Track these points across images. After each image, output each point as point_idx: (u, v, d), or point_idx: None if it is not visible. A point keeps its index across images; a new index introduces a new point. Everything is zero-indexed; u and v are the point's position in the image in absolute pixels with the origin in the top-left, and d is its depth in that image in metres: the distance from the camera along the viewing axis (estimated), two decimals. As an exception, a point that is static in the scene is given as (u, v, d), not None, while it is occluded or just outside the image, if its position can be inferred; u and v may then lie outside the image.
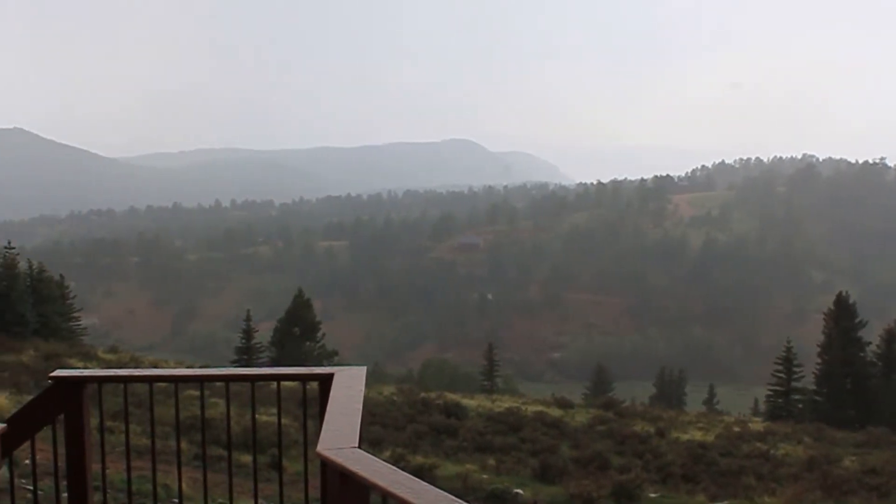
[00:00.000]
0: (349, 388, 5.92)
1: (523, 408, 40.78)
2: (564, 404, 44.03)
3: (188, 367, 34.67)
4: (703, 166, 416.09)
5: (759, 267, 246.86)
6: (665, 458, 28.45)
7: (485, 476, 23.28)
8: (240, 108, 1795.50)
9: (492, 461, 25.96)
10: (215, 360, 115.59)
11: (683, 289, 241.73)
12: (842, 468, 28.56)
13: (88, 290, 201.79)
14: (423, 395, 42.53)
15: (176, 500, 12.59)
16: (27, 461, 10.09)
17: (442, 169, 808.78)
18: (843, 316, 61.55)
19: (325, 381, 6.21)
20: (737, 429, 39.90)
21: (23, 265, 58.64)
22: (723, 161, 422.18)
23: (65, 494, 6.48)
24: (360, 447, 4.63)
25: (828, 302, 67.33)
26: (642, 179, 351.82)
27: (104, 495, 6.71)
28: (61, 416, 6.41)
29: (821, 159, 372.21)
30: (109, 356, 46.30)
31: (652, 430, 36.20)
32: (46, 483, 9.35)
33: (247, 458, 17.55)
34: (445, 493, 3.94)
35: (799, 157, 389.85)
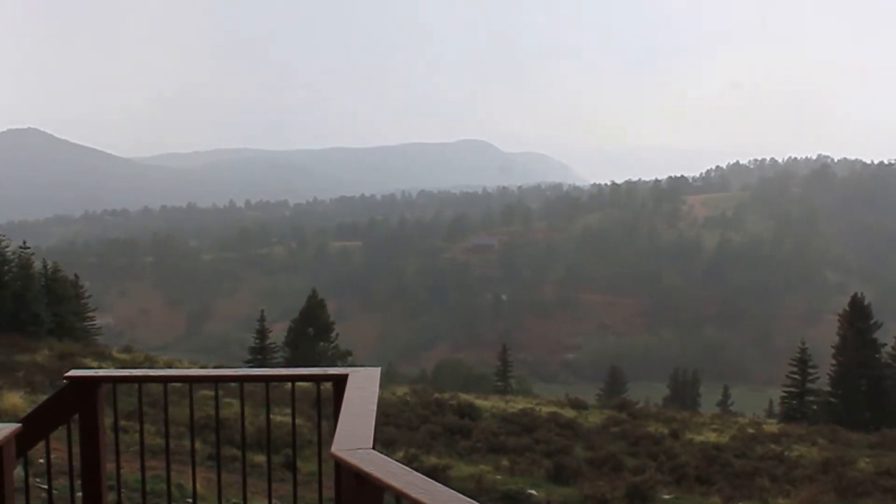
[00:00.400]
0: (363, 388, 5.92)
1: (537, 409, 40.71)
2: (578, 405, 43.94)
3: (202, 368, 34.74)
4: (717, 167, 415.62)
5: (774, 268, 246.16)
6: (679, 460, 28.36)
7: (498, 477, 23.25)
8: (255, 108, 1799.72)
9: (505, 462, 25.91)
10: (229, 360, 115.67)
11: (698, 290, 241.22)
12: (856, 470, 28.45)
13: (103, 290, 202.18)
14: (436, 395, 42.50)
15: (190, 500, 12.62)
16: (41, 460, 10.12)
17: (455, 169, 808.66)
18: (857, 317, 61.34)
19: (340, 382, 6.21)
20: (751, 430, 39.76)
21: (38, 265, 58.80)
22: (737, 162, 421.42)
23: (79, 494, 6.49)
24: (374, 448, 4.63)
25: (843, 303, 67.12)
26: (656, 180, 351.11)
27: (118, 495, 6.73)
28: (76, 416, 6.42)
29: (836, 160, 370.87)
30: (124, 356, 46.41)
31: (666, 431, 36.09)
32: (61, 482, 9.37)
33: (260, 459, 17.59)
34: (459, 495, 3.93)
35: (814, 157, 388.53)
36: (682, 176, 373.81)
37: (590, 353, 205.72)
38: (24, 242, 59.14)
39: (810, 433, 39.46)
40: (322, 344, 68.77)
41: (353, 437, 4.76)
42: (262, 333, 69.31)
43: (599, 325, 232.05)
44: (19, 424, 5.77)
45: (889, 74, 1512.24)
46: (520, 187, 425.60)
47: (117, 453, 6.67)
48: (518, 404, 43.10)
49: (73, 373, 6.53)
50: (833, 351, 62.40)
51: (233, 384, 7.77)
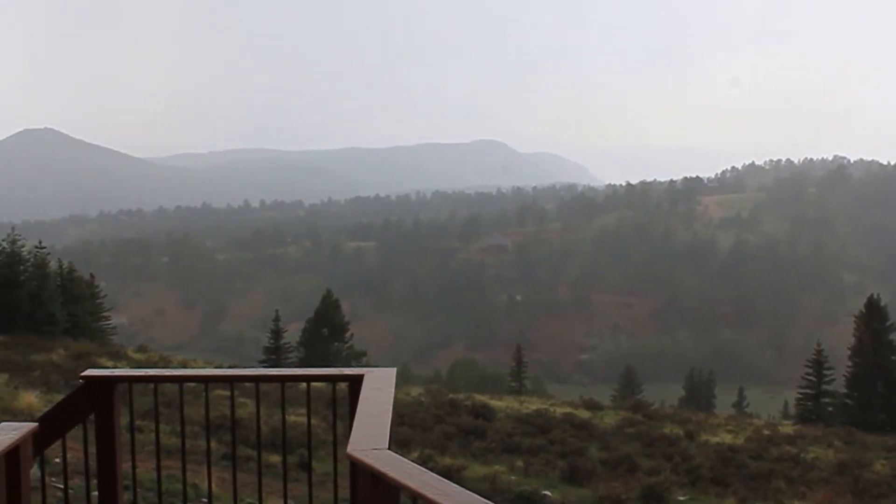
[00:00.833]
0: (379, 389, 5.92)
1: (552, 409, 40.66)
2: (593, 406, 43.90)
3: (217, 367, 34.80)
4: (732, 167, 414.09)
5: (790, 269, 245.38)
6: (694, 461, 28.32)
7: (513, 478, 23.24)
8: (270, 108, 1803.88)
9: (520, 463, 25.90)
10: (244, 360, 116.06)
11: (713, 290, 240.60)
12: (872, 472, 28.37)
13: (118, 290, 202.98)
14: (451, 396, 42.49)
15: (205, 500, 12.65)
16: (57, 459, 10.16)
17: (470, 170, 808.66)
18: (874, 318, 61.09)
19: (355, 382, 6.21)
20: (766, 432, 39.67)
21: (53, 265, 59.07)
22: (753, 162, 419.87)
23: (95, 493, 6.50)
24: (389, 448, 4.63)
25: (859, 304, 66.82)
26: (671, 181, 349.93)
27: (134, 495, 6.74)
28: (92, 416, 6.43)
29: (852, 161, 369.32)
30: (139, 356, 46.52)
31: (681, 432, 36.03)
32: (76, 482, 9.39)
33: (275, 459, 17.62)
34: (475, 495, 3.93)
35: (830, 158, 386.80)
36: (698, 176, 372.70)
37: (604, 353, 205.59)
38: (40, 242, 59.38)
39: (826, 435, 39.35)
40: (336, 344, 68.84)
41: (369, 438, 4.75)
42: (276, 333, 69.36)
43: (614, 325, 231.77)
44: (36, 424, 5.78)
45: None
46: (534, 188, 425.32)
47: (133, 453, 6.69)
48: (532, 405, 43.05)
49: (88, 372, 6.54)
50: (849, 352, 62.09)
51: (247, 384, 7.77)
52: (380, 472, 4.24)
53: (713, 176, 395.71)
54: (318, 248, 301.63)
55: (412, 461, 4.42)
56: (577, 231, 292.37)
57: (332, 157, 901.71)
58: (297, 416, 22.15)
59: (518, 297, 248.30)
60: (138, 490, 6.93)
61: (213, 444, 17.90)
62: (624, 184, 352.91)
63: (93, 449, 6.42)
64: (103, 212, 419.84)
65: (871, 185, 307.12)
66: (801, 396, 61.93)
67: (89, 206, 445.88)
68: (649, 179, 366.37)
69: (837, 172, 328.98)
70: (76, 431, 6.46)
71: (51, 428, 6.12)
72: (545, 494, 21.14)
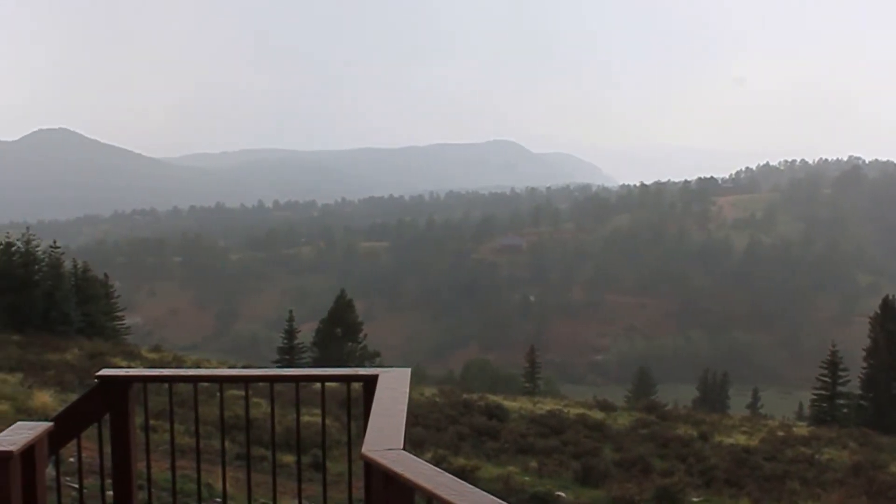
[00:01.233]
0: (393, 389, 5.92)
1: (565, 410, 40.61)
2: (607, 407, 43.83)
3: (231, 367, 34.84)
4: (747, 168, 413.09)
5: (804, 270, 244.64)
6: (708, 462, 28.23)
7: (526, 478, 23.20)
8: (283, 109, 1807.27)
9: (534, 463, 25.86)
10: (257, 360, 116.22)
11: (727, 291, 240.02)
12: (888, 474, 28.23)
13: (132, 290, 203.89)
14: (464, 396, 42.48)
15: (218, 500, 12.66)
16: (71, 459, 10.17)
17: (484, 170, 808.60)
18: (889, 319, 60.82)
19: (370, 383, 6.21)
20: (781, 433, 39.55)
21: (68, 264, 59.21)
22: (767, 163, 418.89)
23: (109, 493, 6.51)
24: (403, 449, 4.62)
25: (874, 305, 66.56)
26: (686, 181, 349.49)
27: (149, 494, 6.74)
28: (106, 416, 6.44)
29: (867, 161, 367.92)
30: (153, 355, 46.61)
31: (695, 433, 35.94)
32: (90, 481, 9.41)
33: (288, 459, 17.62)
34: (490, 496, 3.92)
35: (845, 158, 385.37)
36: (712, 177, 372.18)
37: (618, 354, 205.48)
38: (55, 242, 59.48)
39: (841, 436, 39.19)
40: (350, 344, 68.88)
41: (384, 438, 4.75)
42: (290, 333, 69.43)
43: (628, 326, 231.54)
44: (51, 423, 5.79)
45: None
46: (548, 188, 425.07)
47: (147, 452, 6.70)
48: (546, 406, 43.01)
49: (103, 372, 6.56)
50: (864, 354, 61.87)
51: (261, 384, 7.78)
52: (394, 472, 4.24)
53: (727, 176, 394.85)
54: (331, 248, 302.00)
55: (426, 462, 4.42)
56: (591, 231, 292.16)
57: (346, 158, 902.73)
58: (310, 417, 22.17)
59: (532, 298, 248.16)
60: (152, 490, 6.92)
61: (227, 444, 17.95)
62: (638, 184, 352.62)
63: (107, 448, 6.43)
64: (117, 212, 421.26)
65: (886, 186, 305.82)
66: (815, 398, 61.67)
67: (103, 205, 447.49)
68: (663, 180, 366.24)
69: (852, 173, 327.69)
70: (90, 431, 6.47)
71: (66, 427, 6.14)
72: (559, 495, 21.11)
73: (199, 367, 40.17)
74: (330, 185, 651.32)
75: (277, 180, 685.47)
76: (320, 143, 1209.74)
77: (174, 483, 6.98)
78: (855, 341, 79.30)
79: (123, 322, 67.35)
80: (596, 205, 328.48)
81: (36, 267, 55.77)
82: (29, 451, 5.37)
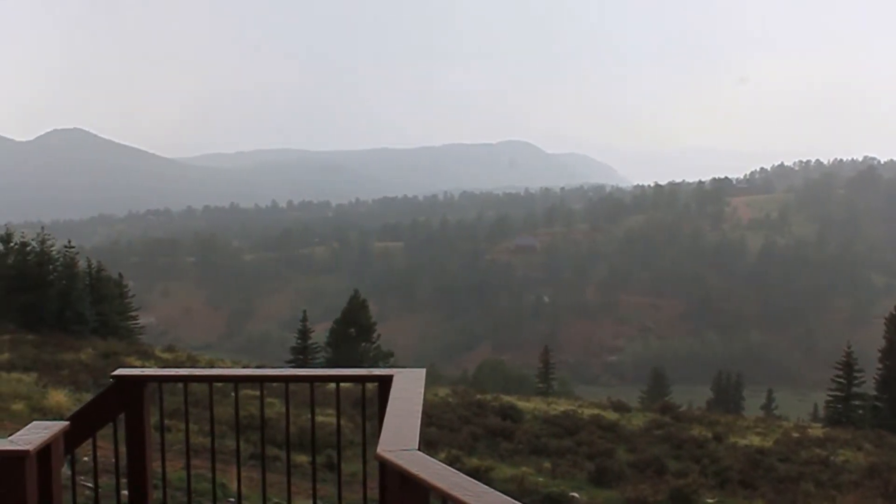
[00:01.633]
0: (408, 390, 5.91)
1: (579, 411, 40.59)
2: (621, 408, 43.79)
3: (244, 367, 34.88)
4: (761, 168, 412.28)
5: (819, 270, 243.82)
6: (723, 464, 28.17)
7: (540, 479, 23.17)
8: (297, 109, 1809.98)
9: (547, 464, 25.84)
10: (271, 360, 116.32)
11: (741, 292, 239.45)
12: (904, 475, 28.10)
13: (146, 290, 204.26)
14: (478, 396, 42.49)
15: (233, 500, 12.68)
16: (85, 458, 10.19)
17: (498, 170, 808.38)
18: (904, 320, 60.58)
19: (385, 383, 6.20)
20: (796, 434, 39.46)
21: (82, 264, 59.42)
22: (782, 163, 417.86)
23: (124, 492, 6.52)
24: (419, 449, 4.62)
25: (889, 306, 66.25)
26: (700, 182, 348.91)
27: (164, 494, 6.75)
28: (121, 415, 6.46)
29: (882, 161, 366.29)
30: (166, 355, 46.73)
31: (709, 434, 35.88)
32: (104, 480, 9.43)
33: (302, 459, 17.63)
34: (505, 496, 3.91)
35: (860, 159, 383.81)
36: (726, 177, 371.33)
37: (632, 355, 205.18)
38: (69, 242, 59.71)
39: (856, 438, 39.07)
40: (364, 345, 68.85)
41: (399, 438, 4.75)
42: (304, 334, 69.46)
43: (642, 327, 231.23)
44: (67, 423, 5.80)
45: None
46: (562, 188, 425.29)
47: (163, 452, 6.70)
48: (560, 406, 43.00)
49: (119, 372, 6.57)
50: (879, 355, 61.61)
51: (274, 384, 7.79)
52: (410, 472, 4.23)
53: (742, 177, 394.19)
54: (345, 248, 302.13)
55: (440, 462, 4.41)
56: (605, 232, 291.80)
57: (360, 158, 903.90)
58: (323, 417, 22.18)
59: (546, 298, 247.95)
60: (167, 489, 6.93)
61: (241, 444, 17.97)
62: (652, 184, 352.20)
63: (122, 448, 6.44)
64: (132, 212, 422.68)
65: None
66: (830, 399, 61.42)
67: (118, 205, 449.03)
68: (678, 180, 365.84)
69: (867, 173, 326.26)
70: (105, 430, 6.48)
71: (82, 427, 6.15)
72: (573, 496, 21.08)
73: (212, 366, 40.26)
74: (344, 185, 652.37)
75: (291, 180, 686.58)
76: (335, 143, 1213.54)
77: (189, 482, 7.00)
78: (870, 342, 79.02)
79: (137, 322, 67.54)
80: (610, 205, 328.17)
81: (51, 266, 56.08)
82: (45, 451, 5.39)
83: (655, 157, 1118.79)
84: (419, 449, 4.62)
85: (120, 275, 69.40)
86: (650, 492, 21.31)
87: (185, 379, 6.97)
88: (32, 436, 5.37)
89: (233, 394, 6.83)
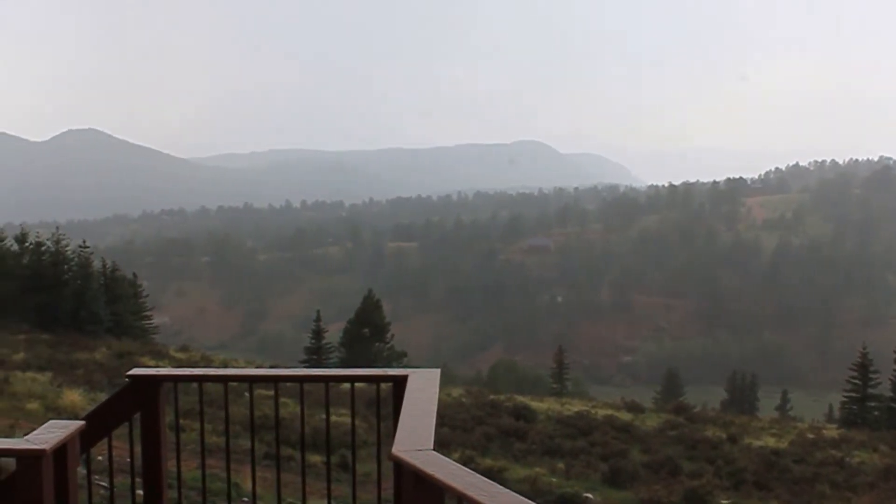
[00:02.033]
0: (423, 390, 5.91)
1: (593, 411, 40.59)
2: (635, 408, 43.76)
3: (258, 367, 34.93)
4: (776, 168, 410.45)
5: (834, 271, 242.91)
6: (737, 465, 28.13)
7: (554, 480, 23.17)
8: (311, 110, 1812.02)
9: (561, 465, 25.84)
10: (285, 359, 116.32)
11: (756, 292, 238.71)
12: (919, 477, 28.02)
13: (160, 290, 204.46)
14: (491, 397, 42.52)
15: (246, 499, 12.69)
16: (100, 457, 10.23)
17: (512, 170, 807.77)
18: (920, 321, 60.37)
19: (400, 383, 6.20)
20: (811, 435, 39.35)
21: (97, 264, 59.71)
22: (797, 163, 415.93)
23: (139, 491, 6.54)
24: (433, 449, 4.62)
25: (904, 307, 66.07)
26: (714, 182, 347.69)
27: (179, 494, 6.77)
28: (136, 414, 6.47)
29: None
30: (180, 355, 46.87)
31: (724, 435, 35.82)
32: (119, 480, 9.45)
33: (315, 458, 17.66)
34: (520, 496, 3.91)
35: (875, 159, 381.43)
36: (741, 177, 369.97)
37: (646, 355, 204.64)
38: (84, 242, 60.02)
39: (872, 439, 38.91)
40: (377, 345, 68.89)
41: (414, 438, 4.75)
42: (317, 333, 69.53)
43: (656, 327, 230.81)
44: (83, 422, 5.82)
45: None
46: (576, 188, 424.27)
47: (178, 451, 6.72)
48: (574, 407, 43.00)
49: (134, 371, 6.59)
50: (895, 356, 61.36)
51: (288, 384, 7.80)
52: (425, 472, 4.24)
53: (756, 177, 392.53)
54: (359, 248, 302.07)
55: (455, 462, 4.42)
56: (619, 232, 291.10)
57: (374, 158, 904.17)
58: (336, 417, 22.19)
59: (559, 299, 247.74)
60: (182, 489, 6.96)
61: (255, 444, 18.00)
62: (666, 185, 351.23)
63: (137, 447, 6.46)
64: (146, 212, 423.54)
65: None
66: (845, 400, 61.20)
67: (132, 205, 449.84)
68: (692, 180, 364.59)
69: (883, 173, 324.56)
70: (119, 430, 6.50)
71: (97, 426, 6.17)
72: (587, 497, 21.07)
73: (226, 366, 40.37)
74: (357, 185, 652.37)
75: (305, 180, 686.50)
76: (348, 143, 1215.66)
77: (204, 482, 7.01)
78: (886, 343, 78.70)
79: (151, 321, 67.73)
80: (624, 205, 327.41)
81: (65, 266, 56.39)
82: (61, 450, 5.41)
83: (670, 157, 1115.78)
84: (434, 449, 4.62)
85: (134, 275, 69.61)
86: (664, 493, 21.30)
87: (201, 379, 6.99)
88: (49, 435, 5.39)
89: (246, 394, 6.86)
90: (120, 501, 7.76)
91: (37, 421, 15.92)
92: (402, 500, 4.90)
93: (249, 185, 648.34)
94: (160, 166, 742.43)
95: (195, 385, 6.87)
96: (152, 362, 37.52)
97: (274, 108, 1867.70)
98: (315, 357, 68.02)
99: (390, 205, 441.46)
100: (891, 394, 59.81)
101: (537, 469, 24.48)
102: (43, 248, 56.98)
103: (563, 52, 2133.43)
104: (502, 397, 42.67)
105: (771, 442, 36.05)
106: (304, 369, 10.38)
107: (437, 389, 5.98)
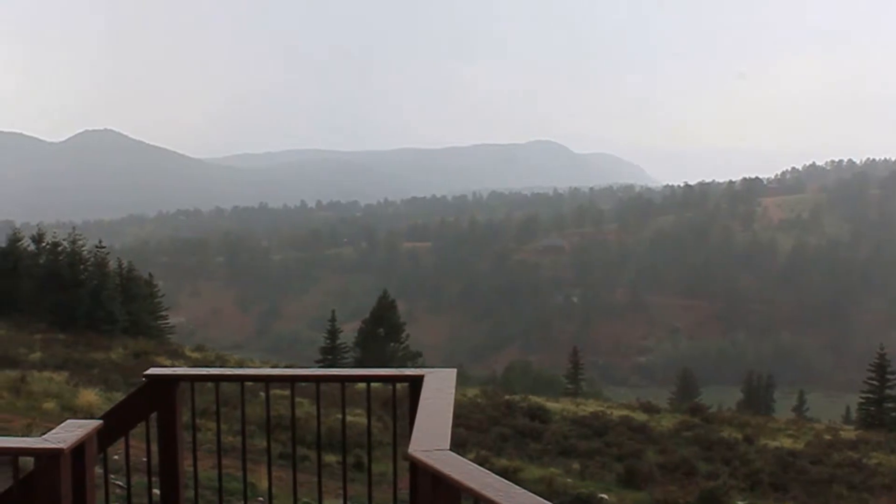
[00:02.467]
0: (440, 390, 5.91)
1: (608, 412, 40.55)
2: (650, 409, 43.69)
3: (274, 367, 34.99)
4: (792, 168, 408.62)
5: (851, 271, 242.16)
6: (753, 466, 28.06)
7: (569, 480, 23.14)
8: (326, 109, 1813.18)
9: (576, 465, 25.81)
10: (300, 359, 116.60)
11: (772, 293, 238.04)
12: (937, 479, 27.90)
13: (175, 289, 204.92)
14: (507, 397, 42.51)
15: (262, 499, 12.72)
16: (116, 457, 10.26)
17: (526, 170, 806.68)
18: (937, 322, 60.12)
19: (416, 383, 6.20)
20: (827, 437, 39.23)
21: (113, 264, 59.94)
22: (813, 163, 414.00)
23: (155, 490, 6.56)
24: (450, 449, 4.62)
25: (922, 308, 65.83)
26: (730, 181, 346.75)
27: (195, 493, 6.78)
28: (153, 414, 6.49)
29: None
30: (196, 354, 47.01)
31: (740, 436, 35.75)
32: (136, 479, 9.47)
33: (330, 458, 17.68)
34: (537, 497, 3.91)
35: (893, 158, 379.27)
36: (757, 177, 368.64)
37: (662, 356, 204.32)
38: (100, 242, 60.26)
39: (889, 440, 38.80)
40: (392, 345, 68.91)
41: (430, 438, 4.75)
42: (332, 333, 69.56)
43: (671, 328, 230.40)
44: (101, 421, 5.83)
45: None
46: (591, 188, 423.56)
47: (194, 451, 6.73)
48: (589, 407, 42.97)
49: (151, 371, 6.60)
50: (912, 357, 61.07)
51: (304, 384, 7.80)
52: (441, 472, 4.24)
53: (773, 177, 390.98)
54: (374, 248, 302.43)
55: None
56: (634, 232, 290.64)
57: (389, 158, 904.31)
58: (351, 417, 22.17)
59: (574, 299, 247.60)
60: (198, 488, 6.97)
61: (271, 444, 18.02)
62: (682, 185, 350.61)
63: (154, 447, 6.48)
64: (161, 212, 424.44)
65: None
66: (863, 401, 60.88)
67: (148, 206, 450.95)
68: (708, 180, 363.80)
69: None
70: (136, 429, 6.51)
71: (114, 425, 6.19)
72: (602, 497, 21.04)
73: (242, 366, 40.43)
74: (372, 185, 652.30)
75: (320, 181, 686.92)
76: (363, 143, 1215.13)
77: (220, 481, 7.02)
78: (903, 344, 78.39)
79: (167, 321, 67.88)
80: (639, 205, 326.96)
81: (82, 266, 56.59)
82: (79, 449, 5.42)
83: (685, 157, 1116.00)
84: (450, 449, 4.62)
85: (150, 274, 69.75)
86: (680, 493, 21.26)
87: (217, 378, 6.99)
88: (66, 434, 5.40)
89: (262, 394, 6.87)
90: (136, 500, 7.78)
91: (53, 420, 15.97)
92: (419, 500, 4.90)
93: (264, 185, 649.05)
94: (176, 167, 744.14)
95: (210, 385, 6.88)
96: (168, 362, 37.61)
97: (289, 109, 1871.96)
98: (330, 357, 68.06)
99: (405, 205, 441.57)
100: (908, 395, 59.56)
101: (552, 469, 24.45)
102: (59, 249, 57.28)
103: (578, 52, 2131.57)
104: (517, 398, 42.64)
105: (787, 443, 35.96)
106: (320, 369, 10.38)
107: (454, 390, 5.98)
